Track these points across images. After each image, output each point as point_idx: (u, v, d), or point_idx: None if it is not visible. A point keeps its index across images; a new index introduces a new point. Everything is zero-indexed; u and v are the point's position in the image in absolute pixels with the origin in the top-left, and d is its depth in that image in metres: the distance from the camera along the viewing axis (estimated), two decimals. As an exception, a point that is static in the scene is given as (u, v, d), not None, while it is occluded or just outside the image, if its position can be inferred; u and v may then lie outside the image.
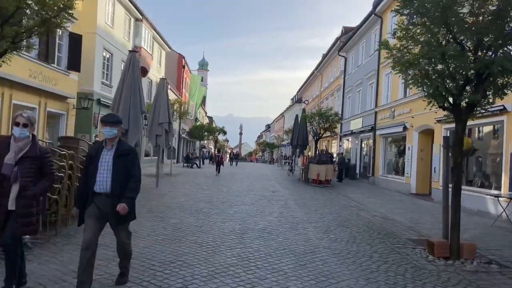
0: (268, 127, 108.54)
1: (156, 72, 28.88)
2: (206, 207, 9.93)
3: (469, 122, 6.44)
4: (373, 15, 21.42)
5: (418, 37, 5.91)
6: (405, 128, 17.02)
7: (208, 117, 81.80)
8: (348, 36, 27.75)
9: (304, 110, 23.23)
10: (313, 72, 41.33)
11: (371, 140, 21.80)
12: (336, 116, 20.95)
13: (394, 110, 18.61)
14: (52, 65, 14.39)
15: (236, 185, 17.02)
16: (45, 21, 6.10)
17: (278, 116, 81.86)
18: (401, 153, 18.79)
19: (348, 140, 28.69)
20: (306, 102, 40.30)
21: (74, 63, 15.37)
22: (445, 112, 6.68)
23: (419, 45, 5.91)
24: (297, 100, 60.89)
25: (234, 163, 42.89)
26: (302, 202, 12.23)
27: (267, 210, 10.09)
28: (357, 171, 24.49)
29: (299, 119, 25.05)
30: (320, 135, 21.55)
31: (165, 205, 9.99)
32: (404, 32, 5.99)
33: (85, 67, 16.48)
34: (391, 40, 6.78)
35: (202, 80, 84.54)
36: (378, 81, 21.28)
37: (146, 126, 15.28)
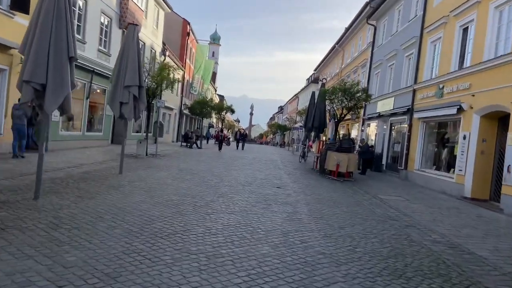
0: (281, 108, 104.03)
1: (152, 34, 24.78)
2: (159, 218, 6.01)
3: None
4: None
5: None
6: (459, 110, 12.75)
7: (218, 95, 77.68)
8: (380, 1, 23.19)
9: (323, 85, 19.03)
10: (333, 47, 36.69)
11: (406, 125, 17.56)
12: (364, 92, 16.69)
13: (443, 87, 14.30)
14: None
15: (232, 175, 13.09)
16: None
17: (292, 97, 77.32)
18: (448, 142, 14.57)
19: (373, 124, 24.43)
20: (324, 80, 35.77)
21: (20, 2, 11.36)
22: None
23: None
24: (313, 79, 56.29)
25: (240, 144, 34.75)
26: (319, 210, 8.23)
27: (263, 227, 6.11)
28: (383, 162, 20.33)
29: (316, 96, 20.87)
30: (342, 116, 17.37)
31: (89, 210, 6.11)
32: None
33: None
34: None
35: (213, 55, 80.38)
36: (420, 50, 16.89)
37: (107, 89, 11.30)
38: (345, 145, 15.87)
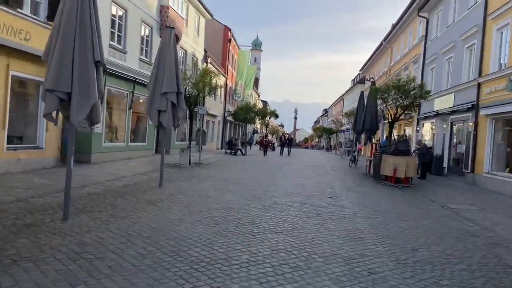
0: (326, 111, 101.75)
1: (193, 42, 24.52)
2: (197, 242, 5.17)
3: None
4: None
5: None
6: (540, 104, 11.00)
7: (262, 101, 77.25)
8: (433, -10, 21.40)
9: (373, 83, 17.62)
10: (380, 44, 34.80)
11: (470, 123, 15.75)
12: (422, 89, 15.10)
13: (516, 78, 12.54)
14: (22, 11, 10.33)
15: (279, 183, 12.15)
16: None
17: (337, 99, 75.17)
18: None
19: (427, 124, 22.54)
20: (372, 79, 33.96)
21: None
22: None
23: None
24: (359, 80, 54.13)
25: (286, 150, 33.10)
26: (383, 225, 7.07)
27: (320, 252, 5.08)
28: (445, 164, 18.50)
29: (365, 96, 19.47)
30: (397, 116, 15.87)
31: (119, 232, 5.39)
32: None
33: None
34: None
35: (255, 61, 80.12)
36: (484, 40, 15.10)
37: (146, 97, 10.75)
38: (401, 147, 14.42)
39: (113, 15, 14.86)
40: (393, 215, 8.07)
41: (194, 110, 16.83)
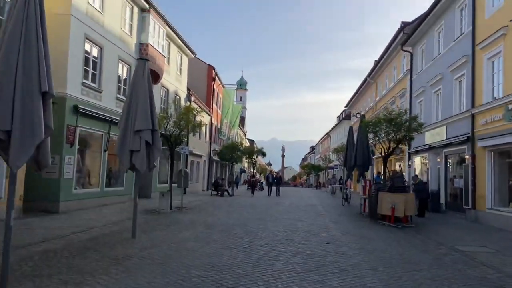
0: (313, 148, 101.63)
1: (175, 80, 23.84)
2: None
3: None
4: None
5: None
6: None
7: (249, 139, 76.68)
8: (415, 26, 21.41)
9: (363, 117, 16.93)
10: (365, 80, 34.82)
11: (467, 156, 15.01)
12: (414, 120, 14.39)
13: (513, 107, 11.93)
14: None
15: (269, 228, 10.94)
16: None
17: (324, 136, 75.20)
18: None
19: (418, 158, 21.84)
20: (359, 114, 33.65)
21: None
22: None
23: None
24: (345, 116, 54.22)
25: (274, 189, 30.30)
26: (394, 279, 5.92)
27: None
28: (442, 200, 17.57)
29: (354, 131, 18.75)
30: (391, 150, 15.05)
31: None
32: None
33: (54, 61, 11.41)
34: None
35: (241, 100, 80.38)
36: (474, 70, 14.67)
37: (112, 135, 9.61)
38: (398, 183, 13.50)
39: (87, 52, 14.02)
40: (402, 264, 6.95)
41: (176, 150, 15.76)
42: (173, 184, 16.34)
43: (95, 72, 14.62)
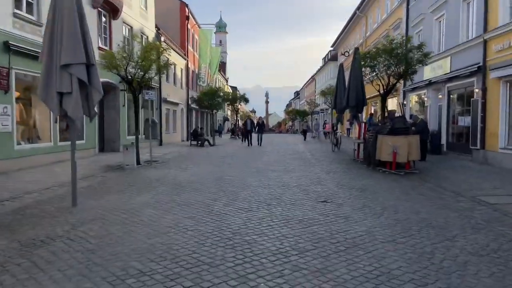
0: (297, 94, 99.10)
1: (140, 17, 20.81)
2: None
3: None
4: None
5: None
6: None
7: (231, 86, 73.61)
8: None
9: (357, 50, 14.65)
10: (354, 14, 31.95)
11: (477, 90, 13.13)
12: (420, 50, 12.24)
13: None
14: None
15: (251, 185, 9.08)
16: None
17: (308, 80, 72.69)
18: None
19: (415, 96, 19.99)
20: (346, 54, 31.23)
21: None
22: None
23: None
24: (331, 57, 51.50)
25: (257, 136, 25.04)
26: (427, 259, 4.12)
27: None
28: (443, 141, 15.94)
29: (346, 68, 16.54)
30: (390, 87, 13.02)
31: None
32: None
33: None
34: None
35: (221, 44, 75.94)
36: (489, -14, 12.38)
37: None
38: (399, 125, 11.64)
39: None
40: (425, 230, 5.17)
41: (140, 95, 13.45)
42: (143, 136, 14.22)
43: (31, 1, 11.82)
